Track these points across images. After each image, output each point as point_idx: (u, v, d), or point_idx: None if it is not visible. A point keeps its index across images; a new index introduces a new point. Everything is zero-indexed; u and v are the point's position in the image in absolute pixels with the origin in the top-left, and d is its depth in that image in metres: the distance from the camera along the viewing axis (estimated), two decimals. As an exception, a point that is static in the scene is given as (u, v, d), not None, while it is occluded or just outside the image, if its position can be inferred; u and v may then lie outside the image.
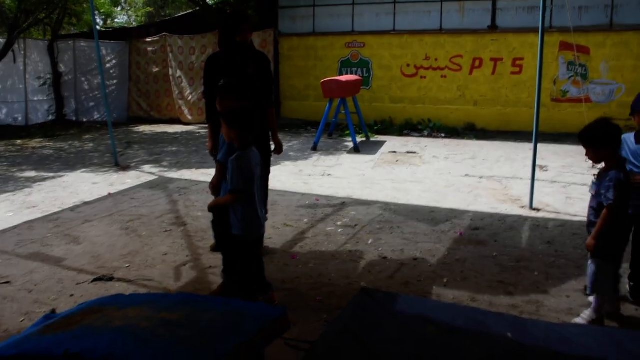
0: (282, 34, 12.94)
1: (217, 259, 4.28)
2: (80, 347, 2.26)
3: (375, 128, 11.48)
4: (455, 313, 3.27)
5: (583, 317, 3.36)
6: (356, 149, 9.47)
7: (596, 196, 3.28)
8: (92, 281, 4.00)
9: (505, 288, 3.90)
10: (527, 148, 8.94)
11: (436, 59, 11.62)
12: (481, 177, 7.38)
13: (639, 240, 3.63)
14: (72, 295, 3.73)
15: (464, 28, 11.39)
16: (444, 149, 9.61)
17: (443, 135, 11.05)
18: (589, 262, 3.34)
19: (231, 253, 3.74)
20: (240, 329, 2.40)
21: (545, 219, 5.52)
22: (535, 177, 5.96)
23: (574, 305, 3.61)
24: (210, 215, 4.09)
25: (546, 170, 7.74)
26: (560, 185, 6.95)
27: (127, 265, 4.35)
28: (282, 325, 2.59)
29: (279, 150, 4.57)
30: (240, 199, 3.24)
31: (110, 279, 4.04)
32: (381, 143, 10.33)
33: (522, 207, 5.95)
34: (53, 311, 3.19)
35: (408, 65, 11.88)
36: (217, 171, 3.67)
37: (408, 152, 9.32)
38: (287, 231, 5.23)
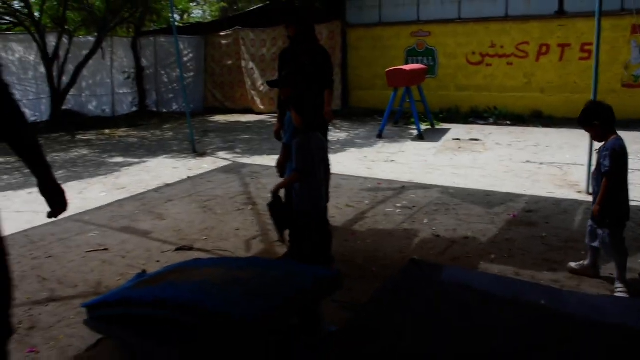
0: (350, 25, 13.29)
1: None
2: (166, 295, 2.76)
3: (441, 116, 11.66)
4: (494, 282, 3.60)
5: (619, 289, 3.59)
6: (420, 137, 9.74)
7: (597, 167, 3.64)
8: (175, 250, 4.57)
9: (550, 265, 4.13)
10: (594, 135, 8.91)
11: (502, 46, 11.62)
12: (542, 164, 7.49)
13: None
14: (158, 261, 4.30)
15: (530, 14, 11.32)
16: (508, 137, 9.70)
17: (508, 122, 11.08)
18: (599, 231, 3.66)
19: (295, 229, 4.16)
20: (297, 284, 2.83)
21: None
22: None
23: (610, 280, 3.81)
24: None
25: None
26: (623, 171, 6.96)
27: (204, 238, 4.90)
28: (335, 284, 3.00)
29: (330, 116, 4.95)
30: (302, 178, 3.65)
31: (190, 248, 4.60)
32: (445, 131, 10.53)
33: (579, 192, 6.07)
34: (144, 271, 3.74)
35: (473, 53, 11.95)
36: (282, 152, 4.11)
37: (471, 140, 9.49)
38: (348, 211, 5.63)
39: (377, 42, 13.04)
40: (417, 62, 12.37)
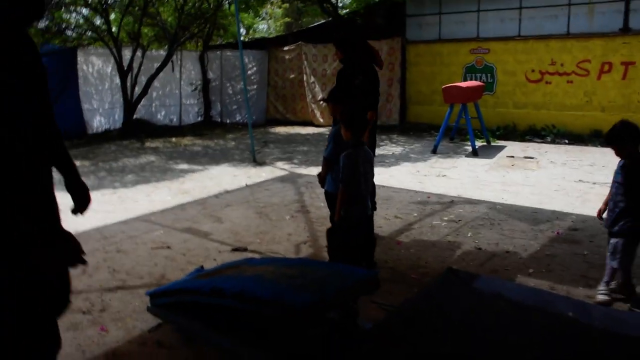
0: (409, 41, 13.52)
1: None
2: (222, 285, 3.11)
3: (497, 133, 11.69)
4: (527, 293, 3.75)
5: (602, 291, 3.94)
6: (474, 153, 9.84)
7: (621, 190, 3.86)
8: (231, 250, 4.96)
9: (587, 282, 4.23)
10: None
11: (562, 64, 11.55)
12: (594, 183, 7.48)
13: None
14: (215, 260, 4.69)
15: (592, 32, 11.21)
16: (564, 155, 9.66)
17: (566, 141, 10.99)
18: (612, 240, 3.91)
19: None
20: (339, 282, 3.13)
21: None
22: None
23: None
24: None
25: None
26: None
27: (258, 241, 5.27)
28: (373, 285, 3.27)
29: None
30: (333, 165, 4.10)
31: (245, 249, 4.98)
32: (501, 148, 10.57)
33: (629, 212, 6.06)
34: (201, 267, 4.14)
35: (533, 70, 11.92)
36: (323, 165, 4.42)
37: (526, 157, 9.52)
38: (396, 222, 5.87)
39: (436, 58, 13.22)
40: (476, 79, 12.46)
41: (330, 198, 4.50)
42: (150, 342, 3.36)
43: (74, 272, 4.40)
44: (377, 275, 3.36)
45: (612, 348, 3.07)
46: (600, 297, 3.91)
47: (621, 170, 3.85)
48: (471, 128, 10.12)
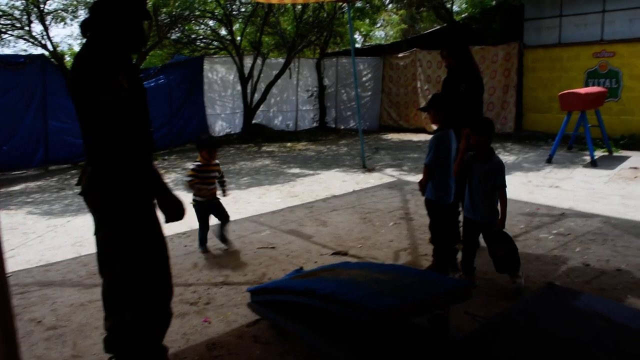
0: (527, 46, 13.04)
1: (431, 249, 5.09)
2: (315, 287, 3.30)
3: (622, 142, 10.96)
4: (632, 316, 3.57)
5: None
6: (593, 163, 9.32)
7: None
8: (332, 254, 5.16)
9: None
10: None
11: (702, 68, 10.60)
12: None
13: None
14: (315, 262, 4.91)
15: None
16: (699, 167, 8.88)
17: None
18: None
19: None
20: (429, 289, 3.21)
21: None
22: None
23: None
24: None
25: None
26: None
27: (359, 246, 5.43)
28: (464, 294, 3.30)
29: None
30: (434, 172, 4.24)
31: (345, 254, 5.16)
32: (624, 158, 9.91)
33: None
34: (301, 268, 4.38)
35: (665, 74, 11.05)
36: (424, 172, 4.48)
37: (652, 169, 8.87)
38: (500, 233, 5.76)
39: (555, 63, 12.64)
40: (599, 84, 11.75)
41: (430, 206, 4.57)
42: (247, 335, 3.62)
43: (186, 267, 4.86)
44: (467, 285, 3.39)
45: None
46: None
47: None
48: (590, 137, 9.59)
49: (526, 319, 3.58)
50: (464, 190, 4.40)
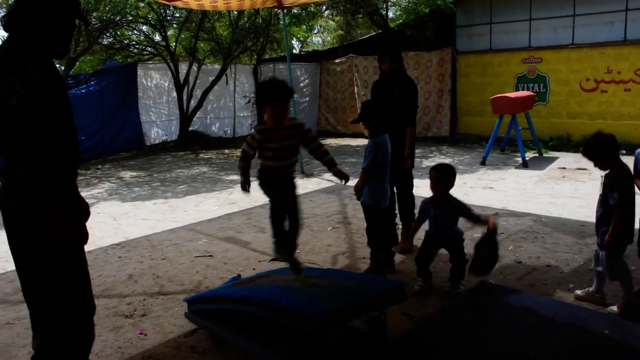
0: (460, 52, 13.43)
1: (369, 252, 5.10)
2: (251, 294, 3.24)
3: (550, 144, 11.43)
4: (560, 309, 3.69)
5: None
6: (524, 164, 9.66)
7: (602, 198, 3.82)
8: (270, 260, 5.09)
9: (630, 298, 4.12)
10: None
11: (619, 72, 11.19)
12: (649, 196, 7.21)
13: None
14: (254, 269, 4.84)
15: (652, 38, 10.85)
16: (620, 166, 9.33)
17: (624, 152, 10.56)
18: (601, 253, 3.84)
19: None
20: (365, 292, 3.21)
21: None
22: None
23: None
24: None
25: None
26: None
27: (297, 251, 5.35)
28: (399, 296, 3.32)
29: (406, 164, 5.26)
30: (371, 176, 4.34)
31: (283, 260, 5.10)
32: (552, 159, 10.33)
33: (683, 226, 5.84)
34: (239, 275, 4.31)
35: (587, 79, 11.60)
36: (360, 177, 4.50)
37: (578, 169, 9.27)
38: (436, 234, 5.86)
39: (486, 68, 13.07)
40: (528, 89, 12.23)
41: (366, 209, 4.59)
42: (184, 346, 3.51)
43: (121, 278, 4.68)
44: (402, 286, 3.41)
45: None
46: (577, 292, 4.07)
47: (617, 191, 3.69)
48: (521, 139, 9.95)
49: (461, 318, 3.64)
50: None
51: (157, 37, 14.21)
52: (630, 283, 3.83)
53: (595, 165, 3.85)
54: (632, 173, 3.86)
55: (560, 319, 3.49)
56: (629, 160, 4.05)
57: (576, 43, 11.74)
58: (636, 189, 3.82)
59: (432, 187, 4.27)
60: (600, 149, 3.74)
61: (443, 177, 4.23)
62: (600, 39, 11.41)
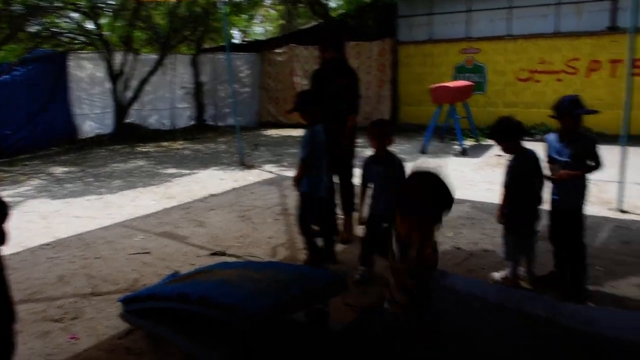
0: (400, 42, 13.53)
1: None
2: (188, 291, 3.12)
3: (487, 132, 11.67)
4: (496, 292, 3.73)
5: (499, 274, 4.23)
6: (463, 153, 9.84)
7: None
8: (209, 255, 4.96)
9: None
10: (644, 152, 8.79)
11: (551, 63, 11.57)
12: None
13: (563, 232, 4.06)
14: (192, 264, 4.69)
15: (581, 30, 11.25)
16: (553, 153, 9.64)
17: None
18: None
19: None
20: (305, 285, 3.13)
21: (631, 221, 5.66)
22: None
23: (626, 298, 3.89)
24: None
25: (656, 175, 7.62)
26: (666, 189, 6.88)
27: (238, 244, 5.27)
28: (339, 287, 3.27)
29: (346, 141, 5.19)
30: (307, 167, 4.30)
31: (223, 254, 4.98)
32: (490, 147, 10.56)
33: (611, 209, 6.07)
34: (176, 272, 4.15)
35: (522, 69, 11.95)
36: (298, 168, 4.43)
37: (514, 156, 9.50)
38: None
39: (426, 58, 13.23)
40: (466, 79, 12.45)
41: (303, 198, 4.52)
42: (119, 348, 3.36)
43: (50, 280, 4.44)
44: (343, 277, 3.37)
45: (580, 346, 3.06)
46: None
47: (509, 172, 3.96)
48: (459, 128, 10.13)
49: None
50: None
51: (90, 26, 13.61)
52: (515, 265, 4.08)
53: (502, 149, 4.02)
54: (544, 158, 4.03)
55: (498, 302, 3.53)
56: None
57: (512, 34, 12.05)
58: (548, 172, 3.93)
59: (374, 144, 4.19)
60: (504, 132, 3.92)
61: (384, 131, 4.19)
62: (535, 30, 11.76)
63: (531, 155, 3.94)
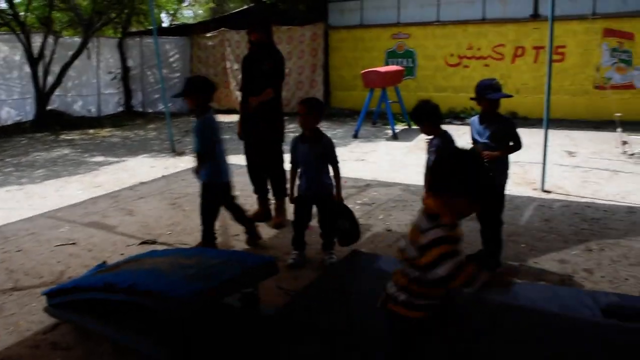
0: (332, 27, 13.56)
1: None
2: (115, 280, 3.03)
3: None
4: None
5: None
6: (394, 136, 10.02)
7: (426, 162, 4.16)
8: (139, 244, 4.83)
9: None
10: (563, 135, 9.23)
11: (479, 49, 11.93)
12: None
13: (487, 211, 4.22)
14: (122, 254, 4.55)
15: (506, 17, 11.65)
16: (480, 136, 9.97)
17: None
18: None
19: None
20: (232, 270, 3.11)
21: (553, 200, 5.94)
22: (561, 162, 6.42)
23: (544, 271, 4.09)
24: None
25: (574, 156, 8.04)
26: (582, 170, 7.27)
27: (169, 232, 5.16)
28: (270, 270, 3.28)
29: (253, 102, 5.14)
30: (205, 157, 4.27)
31: (154, 242, 4.86)
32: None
33: (535, 189, 6.36)
34: (104, 262, 4.03)
35: (452, 55, 12.25)
36: (197, 160, 4.40)
37: (443, 139, 9.77)
38: (310, 208, 5.88)
39: (358, 43, 13.33)
40: (397, 64, 12.64)
41: (207, 188, 4.46)
42: (44, 343, 3.22)
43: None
44: (274, 260, 3.37)
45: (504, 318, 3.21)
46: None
47: (434, 150, 4.09)
48: (391, 112, 10.29)
49: (334, 287, 3.68)
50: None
51: (3, 5, 12.83)
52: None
53: (422, 131, 4.17)
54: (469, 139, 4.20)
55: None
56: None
57: (441, 20, 12.31)
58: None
59: (302, 122, 4.19)
60: (422, 114, 4.07)
61: (312, 109, 4.18)
62: (463, 17, 12.06)
63: (449, 137, 4.09)
